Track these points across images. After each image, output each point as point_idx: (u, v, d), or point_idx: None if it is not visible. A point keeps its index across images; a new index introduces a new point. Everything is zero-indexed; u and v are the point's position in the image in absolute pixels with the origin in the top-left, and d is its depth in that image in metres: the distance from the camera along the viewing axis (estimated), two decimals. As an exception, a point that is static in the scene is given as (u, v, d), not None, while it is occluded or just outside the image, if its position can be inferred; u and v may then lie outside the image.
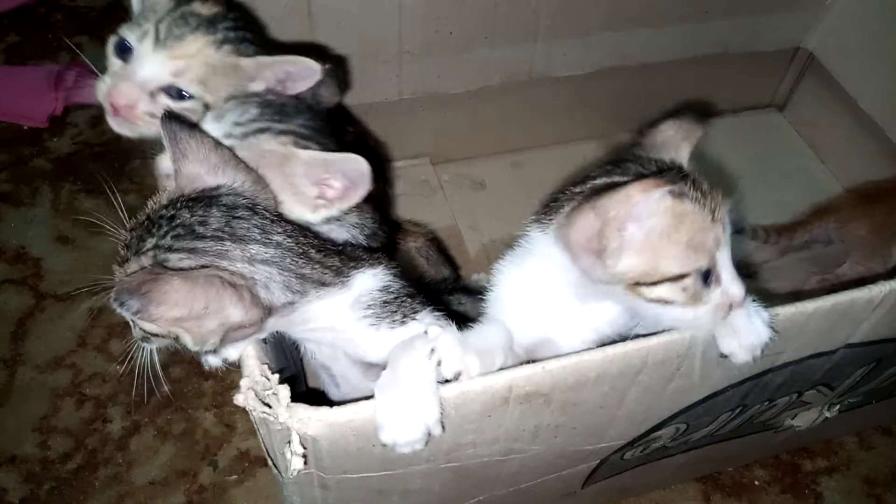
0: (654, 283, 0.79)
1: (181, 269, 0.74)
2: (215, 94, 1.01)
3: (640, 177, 0.79)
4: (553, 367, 0.76)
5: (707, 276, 0.79)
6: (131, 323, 0.81)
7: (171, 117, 0.84)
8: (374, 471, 0.83)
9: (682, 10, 1.70)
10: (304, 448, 0.73)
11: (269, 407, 0.71)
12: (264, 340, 0.81)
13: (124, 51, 1.02)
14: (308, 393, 1.05)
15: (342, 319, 0.85)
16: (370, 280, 0.87)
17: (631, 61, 1.75)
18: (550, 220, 0.87)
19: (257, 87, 1.03)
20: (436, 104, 1.68)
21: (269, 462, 0.86)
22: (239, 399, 0.73)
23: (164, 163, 0.90)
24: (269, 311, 0.79)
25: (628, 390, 0.84)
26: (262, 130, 0.91)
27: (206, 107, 1.01)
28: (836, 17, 1.79)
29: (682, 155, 0.90)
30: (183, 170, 0.83)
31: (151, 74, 1.00)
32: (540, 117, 1.80)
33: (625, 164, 0.86)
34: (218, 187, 0.83)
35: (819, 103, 1.87)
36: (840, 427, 1.42)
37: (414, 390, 0.73)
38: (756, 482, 1.41)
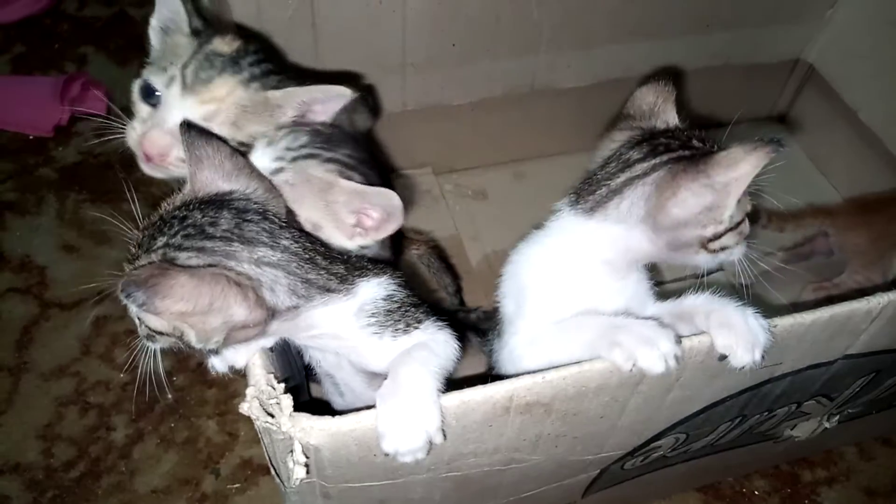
0: (721, 235, 0.87)
1: (189, 267, 0.75)
2: (246, 131, 1.02)
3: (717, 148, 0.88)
4: (554, 377, 0.77)
5: None
6: (137, 321, 0.82)
7: (189, 126, 0.86)
8: (376, 480, 0.84)
9: (684, 23, 1.72)
10: (307, 457, 0.74)
11: (272, 416, 0.72)
12: (271, 349, 0.82)
13: (150, 95, 1.02)
14: (311, 402, 1.06)
15: (346, 327, 0.86)
16: (375, 288, 0.88)
17: (633, 73, 1.76)
18: (600, 206, 0.91)
19: (283, 113, 1.04)
20: (439, 115, 1.69)
21: (272, 471, 0.87)
22: (244, 408, 0.73)
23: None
24: (273, 313, 0.80)
25: (629, 400, 0.85)
26: (310, 156, 0.93)
27: (242, 144, 1.01)
28: (837, 30, 1.80)
29: (671, 116, 0.99)
30: (198, 174, 0.85)
31: (181, 120, 0.98)
32: (542, 128, 1.81)
33: (661, 141, 0.92)
34: (231, 192, 0.85)
35: (819, 115, 1.88)
36: (840, 437, 1.42)
37: (415, 399, 0.74)
38: (756, 492, 1.41)
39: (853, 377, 1.04)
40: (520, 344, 0.95)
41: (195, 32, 1.05)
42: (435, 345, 0.85)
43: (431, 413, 0.74)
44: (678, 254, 0.90)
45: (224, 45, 1.05)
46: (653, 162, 0.89)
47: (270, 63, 1.09)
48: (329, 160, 0.94)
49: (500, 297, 1.02)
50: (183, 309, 0.73)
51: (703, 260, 0.90)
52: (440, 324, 0.90)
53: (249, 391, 0.74)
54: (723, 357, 0.81)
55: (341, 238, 0.96)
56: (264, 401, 0.73)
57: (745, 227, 0.90)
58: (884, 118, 1.71)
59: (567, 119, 1.80)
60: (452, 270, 1.51)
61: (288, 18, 1.39)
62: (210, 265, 0.76)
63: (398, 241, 1.31)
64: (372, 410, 0.74)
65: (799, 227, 1.60)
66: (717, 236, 0.87)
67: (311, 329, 0.85)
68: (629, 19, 1.66)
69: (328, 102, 1.04)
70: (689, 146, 0.90)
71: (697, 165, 0.84)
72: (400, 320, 0.87)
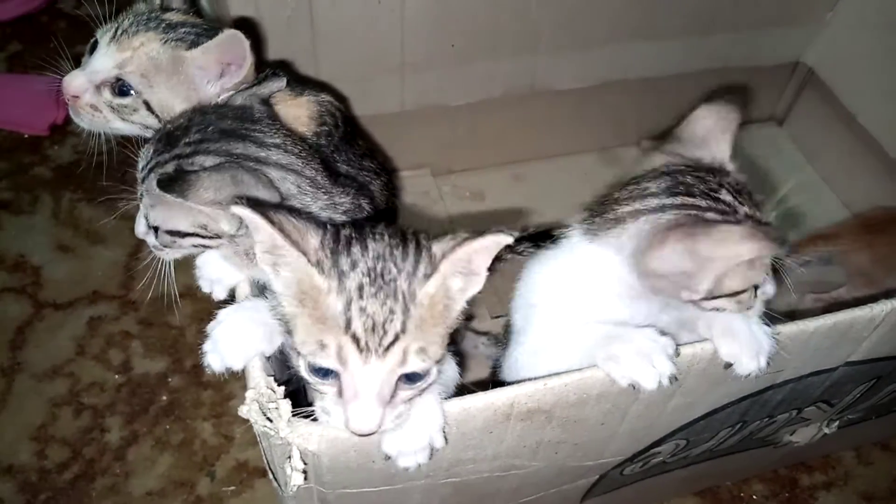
0: (715, 297, 0.82)
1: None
2: (158, 91, 1.02)
3: (731, 221, 0.80)
4: (555, 384, 0.77)
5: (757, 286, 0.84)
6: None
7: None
8: (375, 486, 0.83)
9: (684, 25, 1.71)
10: (305, 463, 0.73)
11: (271, 421, 0.71)
12: (268, 357, 0.81)
13: (94, 49, 1.05)
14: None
15: None
16: None
17: (632, 75, 1.76)
18: (603, 230, 0.87)
19: (205, 82, 1.03)
20: (438, 116, 1.68)
21: (270, 475, 0.86)
22: (242, 410, 0.73)
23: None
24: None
25: (630, 407, 0.84)
26: (152, 169, 0.91)
27: (147, 105, 1.02)
28: (836, 33, 1.79)
29: (723, 150, 0.90)
30: None
31: (99, 66, 1.02)
32: (541, 129, 1.80)
33: (684, 179, 0.85)
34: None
35: (818, 118, 1.87)
36: (839, 442, 1.42)
37: (418, 400, 0.74)
38: (754, 496, 1.41)
39: (854, 384, 1.04)
40: (523, 354, 0.93)
41: (165, 8, 1.07)
42: None
43: (433, 413, 0.74)
44: (660, 299, 0.87)
45: (173, 15, 1.06)
46: (664, 202, 0.83)
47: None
48: (168, 161, 0.89)
49: (511, 310, 1.00)
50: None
51: (695, 313, 0.86)
52: None
53: (249, 394, 0.73)
54: (728, 365, 0.81)
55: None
56: (263, 404, 0.72)
57: (748, 298, 0.83)
58: (882, 122, 1.71)
59: (566, 120, 1.80)
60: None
61: (287, 18, 1.38)
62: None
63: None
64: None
65: (801, 257, 1.54)
66: (709, 298, 0.82)
67: None
68: (629, 21, 1.65)
69: (238, 59, 1.03)
70: (712, 197, 0.82)
71: (694, 228, 0.79)
72: None
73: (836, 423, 1.16)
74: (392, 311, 0.69)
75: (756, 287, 0.83)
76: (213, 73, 1.03)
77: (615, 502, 1.23)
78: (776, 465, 1.43)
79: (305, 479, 0.74)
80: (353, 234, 0.74)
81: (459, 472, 0.85)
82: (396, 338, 0.69)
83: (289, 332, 0.74)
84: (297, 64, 1.44)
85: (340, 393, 0.71)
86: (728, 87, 1.57)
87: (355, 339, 0.69)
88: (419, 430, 0.73)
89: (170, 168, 0.86)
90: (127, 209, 1.71)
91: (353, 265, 0.71)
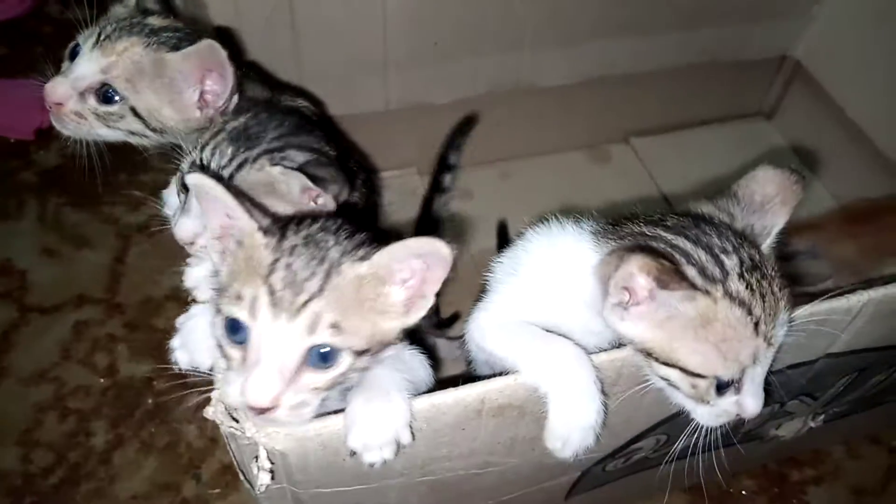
0: (666, 364, 0.78)
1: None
2: (143, 95, 1.02)
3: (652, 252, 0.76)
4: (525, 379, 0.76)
5: (726, 385, 0.79)
6: None
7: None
8: (348, 485, 0.82)
9: (670, 20, 1.71)
10: (272, 463, 0.72)
11: (237, 421, 0.71)
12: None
13: (75, 54, 1.04)
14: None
15: None
16: None
17: (618, 70, 1.75)
18: (607, 237, 0.85)
19: (187, 86, 1.03)
20: (423, 114, 1.68)
21: (242, 477, 0.85)
22: (209, 412, 0.73)
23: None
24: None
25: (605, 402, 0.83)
26: (241, 165, 0.91)
27: (133, 111, 1.02)
28: (823, 26, 1.79)
29: (777, 222, 0.85)
30: None
31: (83, 72, 1.01)
32: (527, 127, 1.80)
33: (701, 229, 0.81)
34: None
35: (807, 112, 1.87)
36: (827, 436, 1.41)
37: (383, 394, 0.74)
38: (743, 492, 1.40)
39: (836, 376, 1.03)
40: (489, 321, 0.89)
41: (143, 11, 1.08)
42: (411, 359, 0.84)
43: (399, 407, 0.73)
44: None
45: (155, 20, 1.07)
46: (665, 235, 0.81)
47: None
48: (258, 157, 0.90)
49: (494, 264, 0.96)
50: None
51: (648, 373, 0.82)
52: (416, 349, 0.87)
53: (214, 395, 0.73)
54: None
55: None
56: (230, 405, 0.72)
57: (705, 389, 0.79)
58: (870, 114, 1.70)
59: (552, 117, 1.79)
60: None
61: (266, 18, 1.37)
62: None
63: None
64: (338, 415, 0.73)
65: (785, 246, 1.53)
66: (658, 360, 0.78)
67: None
68: (615, 16, 1.65)
69: (217, 67, 1.02)
70: (713, 255, 0.78)
71: (642, 251, 0.76)
72: None
73: (822, 416, 1.15)
74: (314, 273, 0.72)
75: (721, 386, 0.79)
76: (194, 78, 1.03)
77: (601, 499, 1.22)
78: (764, 459, 1.42)
79: (273, 478, 0.73)
80: (310, 216, 0.79)
81: (435, 469, 0.85)
82: (311, 298, 0.70)
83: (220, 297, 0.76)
84: (279, 64, 1.43)
85: (245, 360, 0.72)
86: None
87: (271, 291, 0.70)
88: (384, 424, 0.72)
89: (264, 162, 0.88)
90: (111, 213, 1.71)
91: (297, 231, 0.75)
